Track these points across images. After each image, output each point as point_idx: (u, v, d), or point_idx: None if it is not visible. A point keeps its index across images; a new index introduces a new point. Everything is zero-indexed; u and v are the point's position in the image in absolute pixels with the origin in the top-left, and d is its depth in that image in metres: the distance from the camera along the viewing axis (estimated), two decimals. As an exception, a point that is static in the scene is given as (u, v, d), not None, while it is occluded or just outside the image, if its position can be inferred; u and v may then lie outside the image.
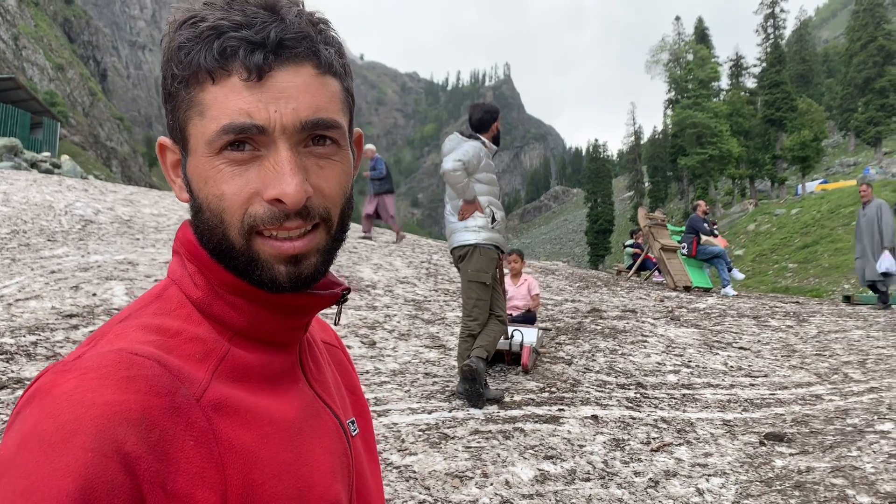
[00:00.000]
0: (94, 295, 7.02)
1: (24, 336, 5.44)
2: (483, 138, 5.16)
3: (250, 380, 0.70)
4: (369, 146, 13.12)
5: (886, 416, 4.90)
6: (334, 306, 0.81)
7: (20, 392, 4.34)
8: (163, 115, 0.74)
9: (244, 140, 0.66)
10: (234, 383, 0.68)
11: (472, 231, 5.03)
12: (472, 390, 4.79)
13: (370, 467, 0.89)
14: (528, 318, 6.95)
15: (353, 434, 0.85)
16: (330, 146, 0.70)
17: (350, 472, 0.79)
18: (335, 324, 0.94)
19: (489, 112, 5.24)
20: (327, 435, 0.76)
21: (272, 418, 0.69)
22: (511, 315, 6.49)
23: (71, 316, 6.17)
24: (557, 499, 3.53)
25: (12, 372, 4.66)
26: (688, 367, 6.39)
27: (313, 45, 0.68)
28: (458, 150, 5.02)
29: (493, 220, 5.07)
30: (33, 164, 23.34)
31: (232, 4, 0.67)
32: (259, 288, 0.70)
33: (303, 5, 0.70)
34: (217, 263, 0.71)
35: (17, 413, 0.59)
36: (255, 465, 0.65)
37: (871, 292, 12.04)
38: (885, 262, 10.88)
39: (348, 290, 0.80)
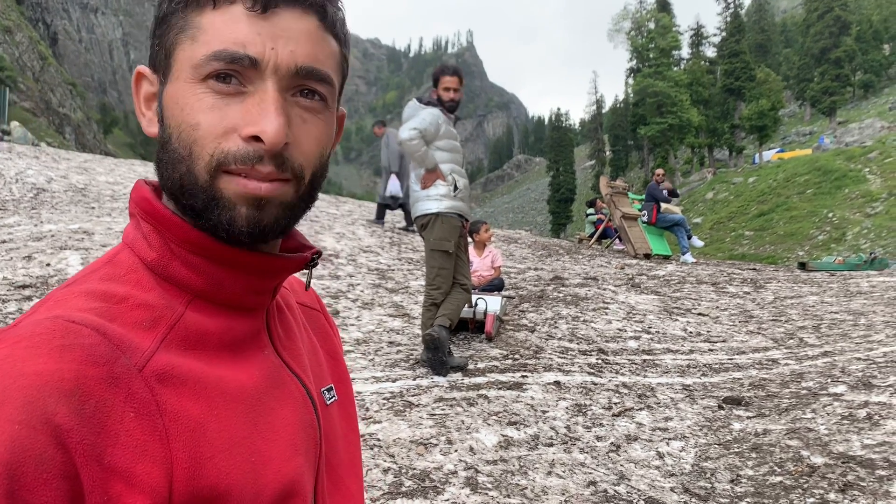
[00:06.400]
0: (48, 265, 6.84)
1: (-25, 308, 5.28)
2: (436, 103, 5.02)
3: (206, 347, 0.66)
4: None
5: (839, 380, 5.04)
6: (304, 270, 0.77)
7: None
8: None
9: (232, 72, 0.63)
10: (186, 351, 0.64)
11: (434, 200, 4.98)
12: (436, 358, 4.78)
13: (346, 437, 0.86)
14: (496, 285, 6.98)
15: (329, 402, 0.82)
16: (318, 102, 0.67)
17: (317, 445, 0.75)
18: (305, 289, 0.91)
19: (435, 70, 5.13)
20: (291, 405, 0.72)
21: (226, 389, 0.65)
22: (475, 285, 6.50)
23: (24, 287, 6.00)
24: (521, 464, 3.56)
25: (-37, 345, 4.53)
26: (648, 333, 6.49)
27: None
28: (416, 117, 4.93)
29: (456, 188, 5.02)
30: (-19, 132, 22.54)
31: None
32: (215, 236, 0.66)
33: None
34: (174, 216, 0.67)
35: None
36: (203, 438, 0.61)
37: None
38: (391, 187, 11.60)
39: (319, 253, 0.77)
